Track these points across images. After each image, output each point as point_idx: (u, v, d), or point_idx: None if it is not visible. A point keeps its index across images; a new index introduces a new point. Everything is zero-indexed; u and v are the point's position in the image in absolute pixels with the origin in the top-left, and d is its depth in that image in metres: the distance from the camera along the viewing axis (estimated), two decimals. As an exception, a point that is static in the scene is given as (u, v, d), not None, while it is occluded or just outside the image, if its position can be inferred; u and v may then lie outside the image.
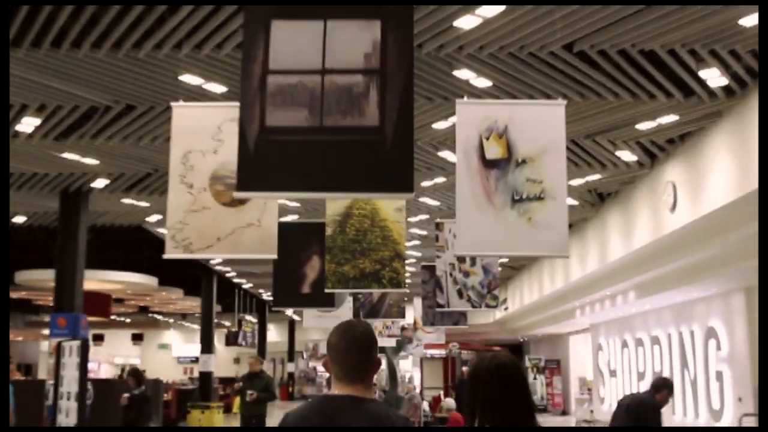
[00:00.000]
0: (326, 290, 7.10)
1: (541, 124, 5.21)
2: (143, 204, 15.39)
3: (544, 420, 26.19)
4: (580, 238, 17.41)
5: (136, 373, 11.66)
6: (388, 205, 7.02)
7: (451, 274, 8.99)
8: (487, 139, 5.21)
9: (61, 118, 10.36)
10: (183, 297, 27.77)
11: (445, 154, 11.41)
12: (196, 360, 34.03)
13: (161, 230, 18.44)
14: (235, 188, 3.57)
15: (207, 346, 24.32)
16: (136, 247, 21.48)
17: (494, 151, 5.20)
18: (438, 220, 9.40)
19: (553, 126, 5.22)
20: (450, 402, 13.28)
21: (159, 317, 36.92)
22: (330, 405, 2.54)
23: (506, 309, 27.35)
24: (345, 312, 11.80)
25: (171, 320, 39.08)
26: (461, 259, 9.00)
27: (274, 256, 5.22)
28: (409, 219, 15.24)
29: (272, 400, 12.93)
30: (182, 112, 5.34)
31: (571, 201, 14.81)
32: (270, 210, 5.25)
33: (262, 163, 3.54)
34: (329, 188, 3.56)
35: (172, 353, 44.02)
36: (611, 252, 15.07)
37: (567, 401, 28.74)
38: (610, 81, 8.81)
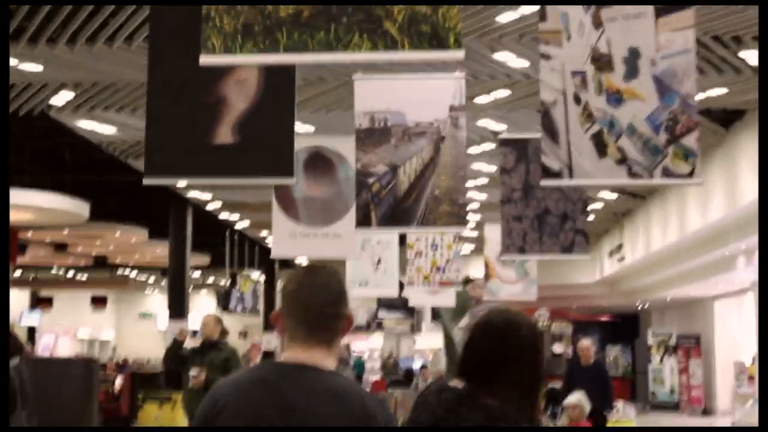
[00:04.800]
0: (202, 61, 2.68)
1: None
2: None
3: (674, 422, 21.80)
4: (755, 130, 12.96)
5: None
6: None
7: (577, 99, 4.52)
8: None
9: None
10: (148, 241, 23.77)
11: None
12: (192, 334, 30.39)
13: (86, 123, 14.35)
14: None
15: (178, 309, 20.35)
16: (53, 159, 17.40)
17: None
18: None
19: None
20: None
21: (129, 273, 33.08)
22: (275, 375, 2.39)
23: (621, 260, 22.86)
24: (347, 227, 7.39)
25: (151, 278, 35.31)
26: (603, 63, 4.50)
27: None
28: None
29: None
30: None
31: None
32: None
33: None
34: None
35: (156, 325, 40.42)
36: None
37: (710, 395, 24.20)
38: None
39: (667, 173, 4.47)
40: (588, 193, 7.80)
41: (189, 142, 4.51)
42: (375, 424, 2.33)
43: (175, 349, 9.48)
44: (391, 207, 6.21)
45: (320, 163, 7.72)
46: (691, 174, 4.52)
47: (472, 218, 21.84)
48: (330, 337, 2.45)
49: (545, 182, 4.53)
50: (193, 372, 8.93)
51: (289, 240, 7.74)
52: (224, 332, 9.65)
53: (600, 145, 4.49)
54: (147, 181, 4.63)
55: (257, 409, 2.32)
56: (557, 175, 4.49)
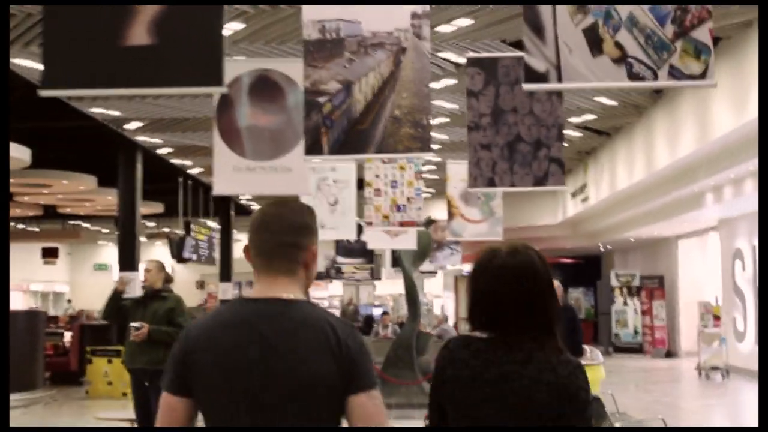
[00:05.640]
0: None
1: None
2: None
3: (639, 365, 21.41)
4: (731, 57, 12.24)
5: None
6: None
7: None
8: None
9: None
10: (98, 189, 22.72)
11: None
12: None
13: (22, 60, 13.30)
14: None
15: (129, 260, 19.38)
16: None
17: None
18: None
19: None
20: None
21: (81, 224, 31.96)
22: (246, 312, 2.43)
23: (585, 200, 22.25)
24: (297, 160, 6.57)
25: (104, 229, 34.22)
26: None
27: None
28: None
29: None
30: None
31: None
32: None
33: None
34: None
35: (112, 277, 39.42)
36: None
37: (674, 337, 23.85)
38: None
39: (674, 74, 3.71)
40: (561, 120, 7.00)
41: (94, 46, 3.66)
42: (347, 351, 2.36)
43: (114, 301, 8.61)
44: (345, 131, 5.40)
45: (267, 88, 6.88)
46: (703, 75, 3.74)
47: (432, 159, 21.05)
48: (290, 266, 2.47)
49: (529, 86, 3.75)
50: (134, 324, 8.16)
51: (233, 175, 6.92)
52: (168, 279, 8.81)
53: (594, 41, 3.71)
54: (44, 93, 3.79)
55: (235, 348, 2.36)
56: (542, 77, 3.71)
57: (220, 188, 6.97)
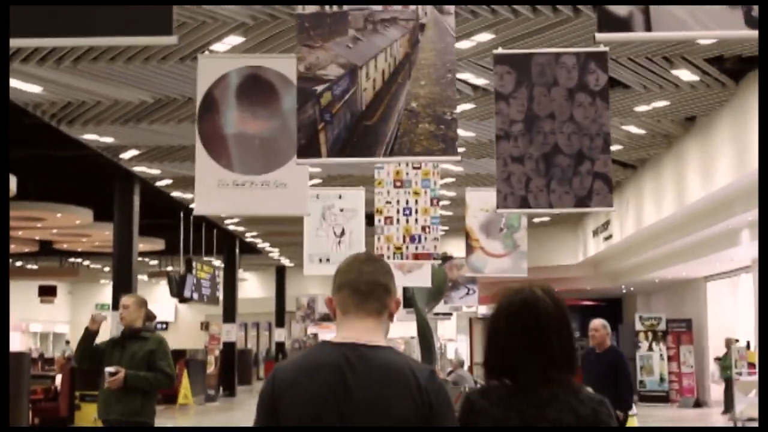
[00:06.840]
0: None
1: None
2: None
3: (666, 415, 20.13)
4: None
5: None
6: None
7: None
8: None
9: None
10: (94, 223, 21.70)
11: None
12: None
13: (25, 86, 12.31)
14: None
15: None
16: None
17: None
18: None
19: None
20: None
21: (80, 261, 30.90)
22: (330, 355, 2.51)
23: (608, 238, 21.13)
24: (294, 173, 5.51)
25: (107, 268, 33.23)
26: None
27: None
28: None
29: (165, 386, 7.37)
30: None
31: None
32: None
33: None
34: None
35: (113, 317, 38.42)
36: None
37: (703, 385, 22.55)
38: None
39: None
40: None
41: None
42: (427, 397, 2.43)
43: (86, 342, 7.48)
44: (349, 127, 4.32)
45: (258, 89, 5.84)
46: None
47: (447, 194, 19.99)
48: (380, 308, 2.57)
49: (604, 36, 2.67)
50: (110, 369, 7.07)
51: (218, 192, 5.84)
52: (150, 317, 7.74)
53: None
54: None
55: (320, 393, 2.45)
56: (623, 24, 2.64)
57: (202, 207, 5.90)
